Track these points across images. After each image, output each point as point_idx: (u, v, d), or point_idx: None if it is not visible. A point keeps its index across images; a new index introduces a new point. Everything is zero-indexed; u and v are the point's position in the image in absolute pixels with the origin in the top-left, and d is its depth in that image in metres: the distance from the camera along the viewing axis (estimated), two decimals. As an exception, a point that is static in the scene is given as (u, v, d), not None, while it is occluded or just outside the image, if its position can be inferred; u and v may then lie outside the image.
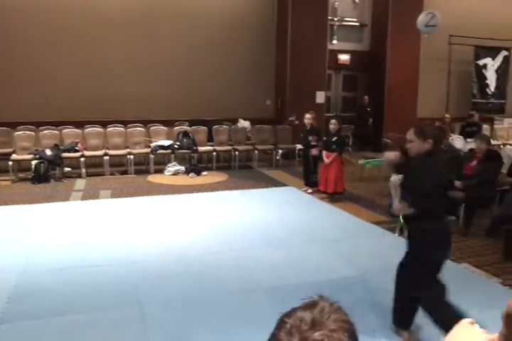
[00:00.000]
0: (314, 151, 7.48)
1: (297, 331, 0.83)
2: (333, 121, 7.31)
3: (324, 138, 7.40)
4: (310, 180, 7.71)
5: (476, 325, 1.11)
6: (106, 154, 8.90)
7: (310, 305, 0.88)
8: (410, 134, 3.15)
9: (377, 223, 6.08)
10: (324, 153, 7.21)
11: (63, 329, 3.38)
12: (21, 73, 9.86)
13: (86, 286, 4.07)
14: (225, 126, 10.17)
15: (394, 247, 5.20)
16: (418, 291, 3.11)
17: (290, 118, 10.72)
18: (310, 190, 7.64)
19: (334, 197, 7.19)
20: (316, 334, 0.82)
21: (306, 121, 7.67)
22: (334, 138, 7.15)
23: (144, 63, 10.54)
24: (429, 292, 3.11)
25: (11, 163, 8.37)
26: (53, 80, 9.99)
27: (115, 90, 10.17)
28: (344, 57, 12.61)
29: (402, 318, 3.32)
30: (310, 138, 7.59)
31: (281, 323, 0.86)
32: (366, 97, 12.29)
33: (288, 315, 0.87)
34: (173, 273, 4.40)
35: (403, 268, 3.29)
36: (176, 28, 10.74)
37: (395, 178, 6.47)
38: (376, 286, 4.14)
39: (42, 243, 5.14)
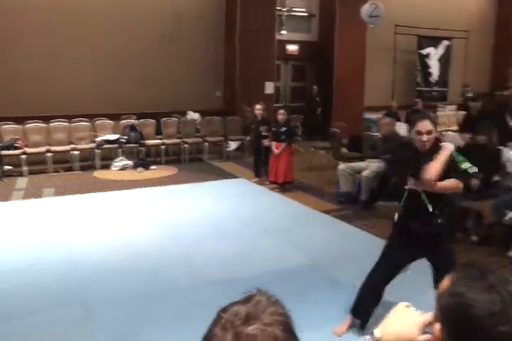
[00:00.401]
0: (266, 142, 7.45)
1: (231, 326, 0.81)
2: (281, 111, 7.31)
3: (273, 129, 7.38)
4: (261, 170, 7.69)
5: (412, 308, 1.12)
6: (49, 151, 8.53)
7: (246, 299, 0.86)
8: (427, 125, 2.89)
9: (327, 211, 6.15)
10: (274, 143, 7.20)
11: (6, 334, 3.23)
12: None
13: (28, 288, 3.92)
14: (173, 119, 9.97)
15: (343, 235, 5.32)
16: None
17: (245, 108, 10.66)
18: (261, 181, 7.62)
19: (284, 187, 7.21)
20: (250, 328, 0.80)
21: (256, 112, 7.62)
22: (283, 129, 7.15)
23: (88, 56, 10.13)
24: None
25: None
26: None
27: (59, 84, 9.75)
28: (293, 48, 12.64)
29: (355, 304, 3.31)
30: (261, 128, 7.55)
31: (217, 318, 0.85)
32: (315, 87, 12.38)
33: (224, 309, 0.86)
34: (120, 270, 4.28)
35: None
36: (119, 19, 10.37)
37: (343, 167, 6.58)
38: (328, 274, 4.18)
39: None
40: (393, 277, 3.14)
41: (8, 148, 8.37)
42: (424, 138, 2.87)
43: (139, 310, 3.56)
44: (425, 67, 14.06)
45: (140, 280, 4.07)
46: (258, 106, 7.57)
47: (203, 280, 4.11)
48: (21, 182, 7.84)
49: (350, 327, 3.28)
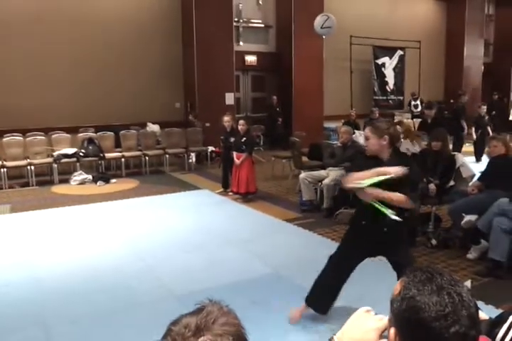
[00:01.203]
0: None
1: (181, 338, 0.80)
2: (241, 121, 7.33)
3: (233, 139, 7.39)
4: (229, 182, 7.64)
5: (372, 313, 1.13)
6: (3, 166, 8.25)
7: (197, 311, 0.85)
8: (366, 132, 3.14)
9: (290, 220, 6.19)
10: (235, 153, 7.21)
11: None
12: None
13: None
14: (133, 131, 9.85)
15: (306, 243, 5.36)
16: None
17: (190, 118, 10.67)
18: (226, 193, 7.59)
19: (247, 197, 7.21)
20: (200, 340, 0.80)
21: (225, 123, 7.58)
22: (243, 139, 7.17)
23: (44, 70, 9.90)
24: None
25: None
26: None
27: (12, 98, 9.48)
28: (251, 58, 12.76)
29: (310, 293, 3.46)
30: (232, 139, 7.49)
31: (167, 331, 0.84)
32: (275, 97, 12.52)
33: (174, 322, 0.85)
34: (82, 289, 4.15)
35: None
36: (77, 34, 10.18)
37: (304, 175, 6.65)
38: (292, 283, 4.19)
39: None
40: (347, 272, 3.27)
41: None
42: (365, 143, 3.18)
43: (101, 328, 3.46)
44: (381, 76, 14.48)
45: (103, 297, 3.96)
46: (226, 118, 7.56)
47: (167, 293, 4.04)
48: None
49: (303, 312, 3.46)
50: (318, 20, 10.08)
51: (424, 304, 0.93)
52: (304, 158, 8.17)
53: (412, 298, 0.95)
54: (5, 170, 8.22)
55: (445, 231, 5.23)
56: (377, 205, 2.95)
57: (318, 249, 5.10)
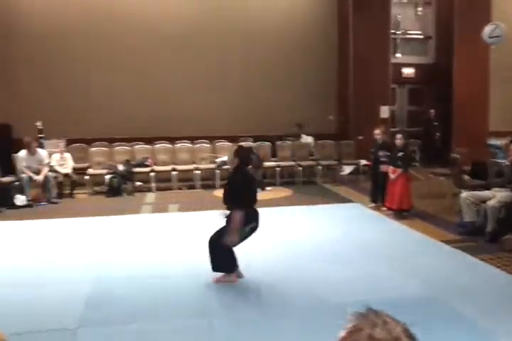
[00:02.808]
0: (384, 167, 7.33)
1: None
2: (398, 135, 7.19)
3: (389, 154, 7.28)
4: (378, 196, 7.57)
5: None
6: (174, 169, 9.22)
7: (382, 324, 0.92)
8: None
9: (447, 241, 5.86)
10: (390, 168, 7.09)
11: (135, 337, 3.53)
12: (96, 94, 10.53)
13: (156, 296, 4.22)
14: (288, 142, 10.25)
15: (466, 268, 5.03)
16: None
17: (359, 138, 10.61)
18: (378, 207, 7.49)
19: (401, 214, 7.02)
20: None
21: (376, 136, 7.56)
22: (400, 154, 7.02)
23: (210, 82, 10.91)
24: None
25: (87, 177, 8.91)
26: (125, 100, 10.58)
27: (183, 109, 10.59)
28: (408, 71, 12.43)
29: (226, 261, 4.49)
30: (380, 153, 7.45)
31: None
32: (432, 111, 11.99)
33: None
34: (239, 287, 4.46)
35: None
36: (237, 44, 11.06)
37: (466, 195, 6.27)
38: (450, 308, 3.99)
39: (114, 253, 5.40)
40: None
41: (139, 165, 9.21)
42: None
43: (265, 329, 3.64)
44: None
45: (257, 298, 4.21)
46: (377, 131, 7.53)
47: (318, 302, 4.13)
48: (150, 197, 8.55)
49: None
50: (487, 30, 9.45)
51: None
52: (465, 177, 7.68)
53: None
54: (176, 173, 9.18)
55: None
56: None
57: (480, 276, 4.77)
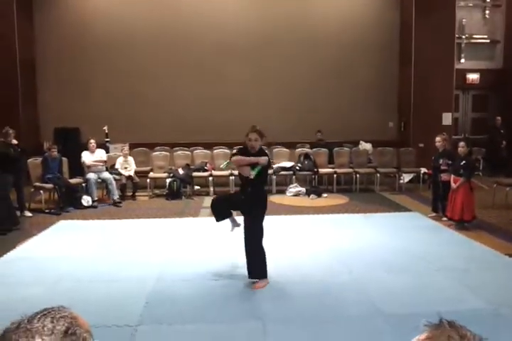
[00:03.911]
0: (444, 176, 7.14)
1: None
2: (461, 143, 6.97)
3: (450, 162, 7.08)
4: (438, 206, 7.36)
5: None
6: (231, 174, 9.40)
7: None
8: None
9: (512, 255, 5.62)
10: (452, 177, 6.88)
11: (193, 337, 3.65)
12: (157, 101, 10.95)
13: (214, 298, 4.34)
14: (345, 149, 10.18)
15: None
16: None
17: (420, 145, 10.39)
18: (439, 217, 7.29)
19: (462, 224, 6.79)
20: None
21: (437, 144, 7.38)
22: (462, 162, 6.81)
23: (266, 88, 11.04)
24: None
25: (148, 180, 9.26)
26: (185, 106, 10.93)
27: (240, 115, 10.77)
28: (473, 76, 12.01)
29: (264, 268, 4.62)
30: (441, 161, 7.26)
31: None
32: (499, 118, 11.50)
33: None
34: (293, 291, 4.50)
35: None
36: (294, 52, 11.13)
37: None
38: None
39: (174, 254, 5.59)
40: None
41: (198, 170, 9.45)
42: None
43: (311, 333, 3.67)
44: None
45: (313, 303, 4.23)
46: (438, 138, 7.35)
47: (375, 311, 4.10)
48: (208, 201, 8.71)
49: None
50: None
51: None
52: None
53: None
54: (233, 177, 9.34)
55: None
56: None
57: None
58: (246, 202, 4.63)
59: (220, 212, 4.86)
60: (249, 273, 4.65)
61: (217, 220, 4.93)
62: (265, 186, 5.24)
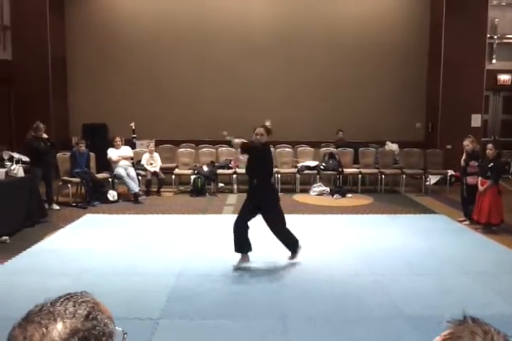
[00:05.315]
0: (470, 179, 6.99)
1: None
2: (489, 145, 6.81)
3: (477, 164, 6.93)
4: (465, 208, 7.22)
5: None
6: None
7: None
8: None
9: (542, 260, 5.47)
10: (479, 179, 6.74)
11: (213, 332, 3.66)
12: (183, 99, 11.05)
13: (235, 294, 4.36)
14: (371, 149, 10.08)
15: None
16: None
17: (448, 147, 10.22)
18: (466, 221, 7.15)
19: (489, 228, 6.65)
20: None
21: (465, 146, 7.23)
22: (490, 164, 6.66)
23: (291, 87, 11.01)
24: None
25: (174, 176, 9.35)
26: (211, 104, 11.00)
27: (266, 114, 10.77)
28: (505, 77, 11.73)
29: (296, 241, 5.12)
30: (469, 163, 7.10)
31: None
32: (531, 120, 11.20)
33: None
34: (318, 292, 4.47)
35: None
36: (321, 52, 11.07)
37: None
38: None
39: (197, 250, 5.63)
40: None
41: (222, 167, 9.50)
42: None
43: (334, 332, 3.66)
44: None
45: (334, 302, 4.20)
46: (465, 142, 7.19)
47: (397, 312, 4.05)
48: (231, 198, 8.79)
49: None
50: None
51: None
52: None
53: None
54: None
55: None
56: None
57: None
58: (256, 197, 4.97)
59: (242, 244, 5.07)
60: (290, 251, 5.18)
61: (237, 251, 5.09)
62: (271, 178, 5.60)
